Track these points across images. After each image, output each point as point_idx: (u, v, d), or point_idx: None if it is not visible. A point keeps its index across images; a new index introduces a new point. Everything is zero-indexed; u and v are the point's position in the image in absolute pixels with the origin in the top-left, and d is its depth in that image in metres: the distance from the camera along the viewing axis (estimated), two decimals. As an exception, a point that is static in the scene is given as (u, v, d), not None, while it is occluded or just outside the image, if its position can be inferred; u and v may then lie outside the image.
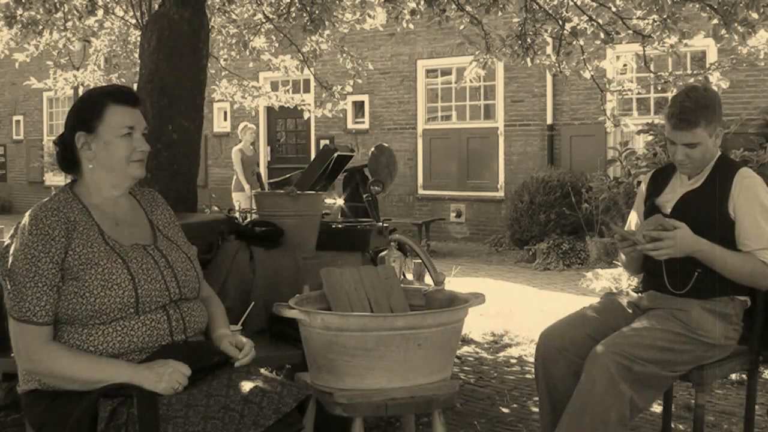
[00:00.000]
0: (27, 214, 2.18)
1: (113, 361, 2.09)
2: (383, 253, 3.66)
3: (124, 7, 6.32)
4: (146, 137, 2.31)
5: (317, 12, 5.71)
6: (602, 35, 5.23)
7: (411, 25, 6.12)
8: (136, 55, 6.24)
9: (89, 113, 2.24)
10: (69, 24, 6.38)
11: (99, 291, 2.10)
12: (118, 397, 2.02)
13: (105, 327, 2.11)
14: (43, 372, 2.09)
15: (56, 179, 16.39)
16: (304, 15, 5.74)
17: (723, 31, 4.59)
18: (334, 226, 4.22)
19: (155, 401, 1.98)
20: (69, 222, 2.16)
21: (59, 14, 6.09)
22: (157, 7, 4.57)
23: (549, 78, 11.59)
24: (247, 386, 2.06)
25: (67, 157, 2.27)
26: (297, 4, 5.84)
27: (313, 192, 4.29)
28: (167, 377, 2.03)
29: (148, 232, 2.32)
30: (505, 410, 3.89)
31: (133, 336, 2.12)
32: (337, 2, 5.92)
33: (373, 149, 7.36)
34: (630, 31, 5.19)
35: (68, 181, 2.33)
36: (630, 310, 2.95)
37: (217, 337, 2.29)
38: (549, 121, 11.99)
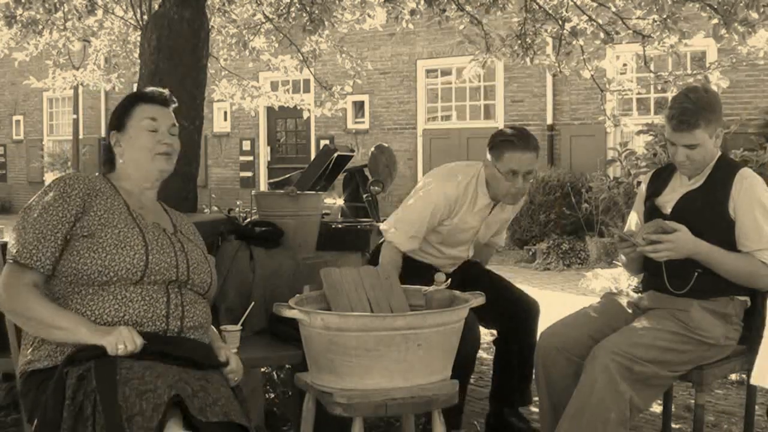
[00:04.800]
0: None
1: (75, 314, 2.14)
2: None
3: (124, 7, 6.32)
4: (177, 138, 2.42)
5: (317, 12, 5.71)
6: (602, 35, 5.22)
7: (411, 25, 6.11)
8: (136, 55, 6.25)
9: (121, 113, 2.39)
10: (69, 24, 6.38)
11: (112, 248, 2.17)
12: (85, 364, 2.03)
13: (105, 292, 2.15)
14: (12, 309, 2.15)
15: (56, 179, 16.38)
16: (304, 15, 5.73)
17: (723, 31, 4.58)
18: (334, 226, 4.22)
19: (113, 366, 1.98)
20: (92, 189, 2.27)
21: (59, 14, 6.09)
22: (157, 7, 4.57)
23: (549, 78, 11.59)
24: (212, 377, 2.10)
25: (107, 159, 2.42)
26: (297, 4, 5.83)
27: (313, 192, 4.29)
28: (116, 333, 2.05)
29: (169, 227, 2.40)
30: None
31: (129, 307, 2.16)
32: (337, 2, 5.91)
33: (373, 149, 7.36)
34: (630, 31, 5.18)
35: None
36: (630, 310, 2.95)
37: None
38: (549, 121, 11.99)
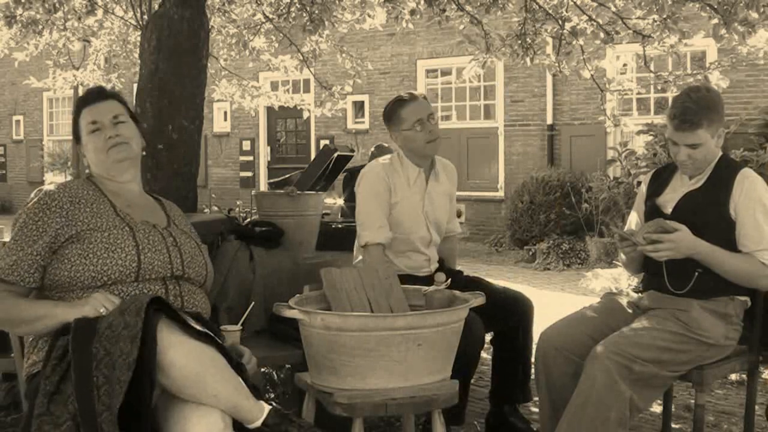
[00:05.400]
0: None
1: (48, 300, 2.18)
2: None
3: (124, 7, 6.32)
4: (129, 123, 2.42)
5: (317, 12, 5.71)
6: (602, 35, 5.22)
7: (411, 25, 6.11)
8: (136, 55, 6.24)
9: (74, 126, 2.44)
10: (69, 24, 6.38)
11: (102, 253, 2.18)
12: (66, 335, 2.03)
13: (103, 290, 2.15)
14: None
15: (56, 179, 16.40)
16: (304, 15, 5.73)
17: (723, 31, 4.58)
18: (334, 226, 4.23)
19: (92, 321, 1.98)
20: (74, 197, 2.27)
21: (59, 14, 6.09)
22: (157, 7, 4.57)
23: (549, 78, 11.59)
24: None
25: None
26: (297, 4, 5.83)
27: (313, 192, 4.29)
28: (92, 301, 2.06)
29: (162, 220, 2.41)
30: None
31: None
32: (337, 2, 5.91)
33: (373, 149, 7.36)
34: (630, 31, 5.18)
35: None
36: (630, 310, 2.95)
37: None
38: (549, 121, 11.99)
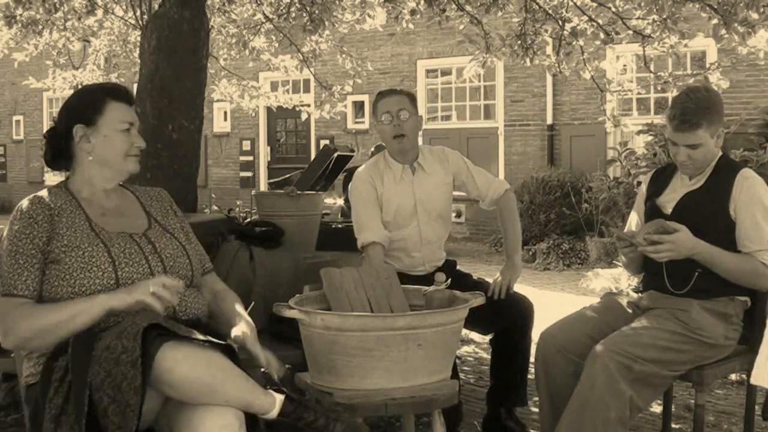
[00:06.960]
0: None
1: (87, 297, 2.11)
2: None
3: (124, 7, 6.32)
4: (141, 136, 2.40)
5: (317, 12, 5.71)
6: (602, 35, 5.22)
7: (411, 25, 6.12)
8: (136, 55, 6.25)
9: (89, 106, 2.30)
10: (69, 24, 6.38)
11: (79, 273, 2.13)
12: (65, 356, 2.02)
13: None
14: (26, 335, 2.07)
15: (56, 179, 16.34)
16: (304, 15, 5.74)
17: (723, 31, 4.59)
18: (334, 226, 4.23)
19: (91, 335, 1.97)
20: (52, 209, 2.22)
21: (59, 14, 6.09)
22: (157, 7, 4.57)
23: (549, 78, 11.58)
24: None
25: (61, 151, 2.34)
26: (297, 4, 5.83)
27: (313, 192, 4.30)
28: (142, 286, 2.03)
29: (141, 223, 2.35)
30: (505, 410, 3.88)
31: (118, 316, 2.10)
32: (337, 2, 5.92)
33: (372, 149, 7.37)
34: (630, 31, 5.19)
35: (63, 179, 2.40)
36: (630, 310, 2.95)
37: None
38: (549, 121, 11.99)
